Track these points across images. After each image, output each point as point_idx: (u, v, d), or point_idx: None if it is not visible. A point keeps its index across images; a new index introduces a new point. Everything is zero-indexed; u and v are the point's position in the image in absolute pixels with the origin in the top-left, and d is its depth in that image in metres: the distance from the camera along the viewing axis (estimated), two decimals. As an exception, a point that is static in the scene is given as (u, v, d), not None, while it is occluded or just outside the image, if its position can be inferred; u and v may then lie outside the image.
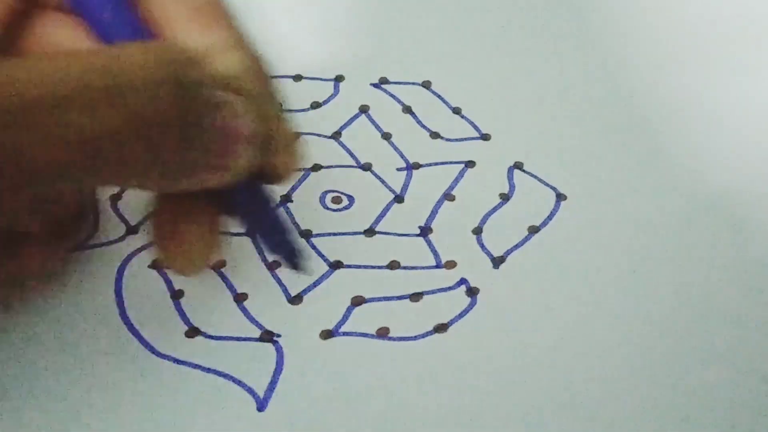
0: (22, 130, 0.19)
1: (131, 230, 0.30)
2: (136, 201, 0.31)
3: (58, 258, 0.28)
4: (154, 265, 0.29)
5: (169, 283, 0.29)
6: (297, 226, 0.31)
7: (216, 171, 0.23)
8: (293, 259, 0.27)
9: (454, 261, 0.30)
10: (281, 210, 0.27)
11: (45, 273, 0.28)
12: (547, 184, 0.33)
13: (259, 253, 0.30)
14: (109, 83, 0.20)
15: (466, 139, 0.35)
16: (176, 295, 0.29)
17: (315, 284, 0.29)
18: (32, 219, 0.25)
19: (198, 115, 0.21)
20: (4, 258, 0.26)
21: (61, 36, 0.24)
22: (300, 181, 0.33)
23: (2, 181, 0.19)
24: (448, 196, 0.33)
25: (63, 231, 0.27)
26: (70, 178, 0.20)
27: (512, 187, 0.33)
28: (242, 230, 0.27)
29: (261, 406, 0.26)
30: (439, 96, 0.37)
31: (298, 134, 0.26)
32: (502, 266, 0.30)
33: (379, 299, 0.29)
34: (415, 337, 0.28)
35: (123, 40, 0.22)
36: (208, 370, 0.27)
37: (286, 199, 0.32)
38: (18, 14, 0.24)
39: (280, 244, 0.27)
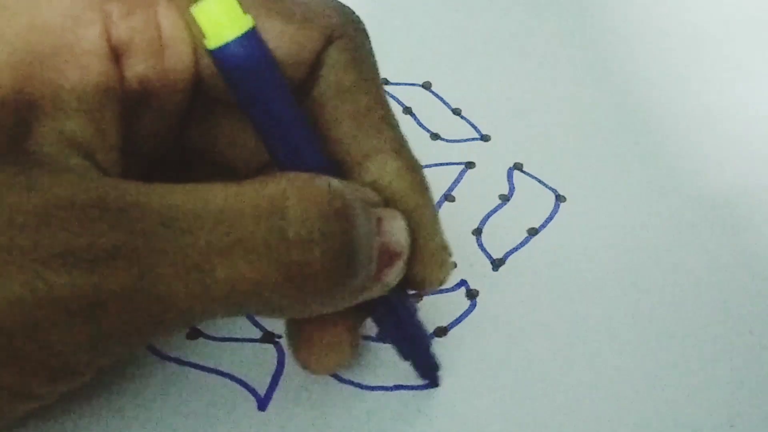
0: (171, 276, 0.19)
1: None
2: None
3: None
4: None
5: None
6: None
7: (366, 290, 0.22)
8: (429, 371, 0.27)
9: (453, 262, 0.30)
10: (422, 319, 0.26)
11: None
12: (546, 186, 0.33)
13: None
14: (269, 236, 0.19)
15: (466, 140, 0.35)
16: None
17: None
18: None
19: (350, 267, 0.21)
20: None
21: (230, 130, 0.24)
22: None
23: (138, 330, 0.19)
24: (448, 196, 0.33)
25: None
26: (201, 320, 0.20)
27: (512, 188, 0.33)
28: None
29: (262, 405, 0.26)
30: (439, 97, 0.37)
31: (448, 246, 0.25)
32: (502, 269, 0.30)
33: (379, 299, 0.29)
34: (415, 341, 0.28)
35: (290, 140, 0.22)
36: (210, 370, 0.27)
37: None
38: (189, 109, 0.23)
39: (419, 354, 0.26)
